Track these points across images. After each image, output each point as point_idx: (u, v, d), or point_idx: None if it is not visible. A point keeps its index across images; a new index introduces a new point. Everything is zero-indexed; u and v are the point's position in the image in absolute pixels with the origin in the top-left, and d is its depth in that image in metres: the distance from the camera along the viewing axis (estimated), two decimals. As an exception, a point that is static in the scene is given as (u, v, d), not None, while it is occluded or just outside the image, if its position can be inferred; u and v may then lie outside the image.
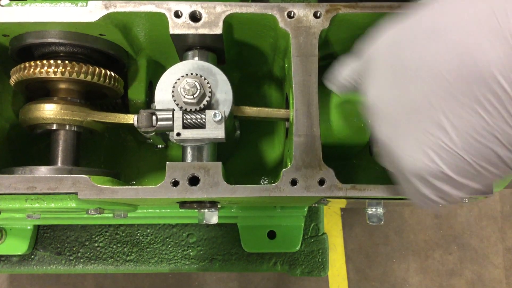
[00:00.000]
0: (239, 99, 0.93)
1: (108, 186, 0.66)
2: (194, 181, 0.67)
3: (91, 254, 1.08)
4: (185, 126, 0.66)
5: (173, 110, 0.66)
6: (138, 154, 0.94)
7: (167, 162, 0.67)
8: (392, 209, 2.33)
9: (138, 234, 1.09)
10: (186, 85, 0.66)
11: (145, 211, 1.05)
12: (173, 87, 0.67)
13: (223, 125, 0.66)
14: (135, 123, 0.67)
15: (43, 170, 0.70)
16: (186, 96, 0.65)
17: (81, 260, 1.08)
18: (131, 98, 0.83)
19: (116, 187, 0.66)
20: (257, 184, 0.94)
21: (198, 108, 0.67)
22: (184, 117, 0.66)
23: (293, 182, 0.67)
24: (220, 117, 0.65)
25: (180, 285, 2.15)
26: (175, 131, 0.66)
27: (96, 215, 0.90)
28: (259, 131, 0.95)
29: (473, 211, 2.34)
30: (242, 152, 0.95)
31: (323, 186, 0.67)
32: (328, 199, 0.75)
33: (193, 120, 0.66)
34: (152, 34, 0.77)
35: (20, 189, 0.65)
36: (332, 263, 2.23)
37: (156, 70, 0.87)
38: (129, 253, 1.08)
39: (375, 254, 2.27)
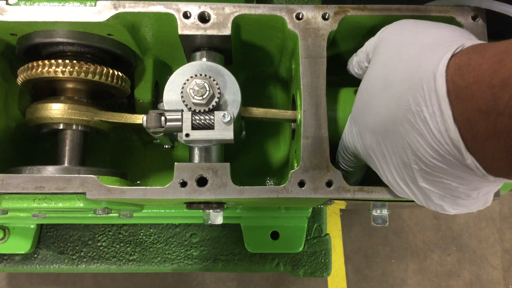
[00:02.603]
0: (244, 99, 0.93)
1: (117, 186, 0.66)
2: (202, 182, 0.67)
3: (94, 253, 1.08)
4: (194, 127, 0.66)
5: (182, 110, 0.66)
6: (144, 154, 0.94)
7: (175, 163, 0.67)
8: (391, 210, 2.33)
9: (141, 234, 1.09)
10: (195, 86, 0.66)
11: (149, 211, 1.04)
12: (182, 87, 0.67)
13: (231, 126, 0.66)
14: (144, 124, 0.67)
15: (50, 170, 0.70)
16: (195, 97, 0.66)
17: (84, 260, 1.08)
18: (138, 98, 0.83)
19: (125, 187, 0.66)
20: (262, 184, 0.95)
21: (207, 109, 0.67)
22: (193, 118, 0.66)
23: (301, 184, 0.67)
24: (229, 118, 0.66)
25: (179, 284, 2.15)
26: (184, 132, 0.66)
27: (104, 214, 0.90)
28: (264, 131, 0.95)
29: (471, 212, 2.34)
30: (248, 152, 0.95)
31: (331, 188, 0.67)
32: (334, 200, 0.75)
33: (202, 121, 0.66)
34: (160, 35, 0.77)
35: (28, 189, 0.65)
36: (331, 263, 2.24)
37: (163, 70, 0.87)
38: (132, 253, 1.08)
39: (374, 254, 2.28)
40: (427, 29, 0.60)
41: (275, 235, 1.08)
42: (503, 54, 0.45)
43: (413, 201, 0.69)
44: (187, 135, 0.65)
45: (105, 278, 2.13)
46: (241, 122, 0.84)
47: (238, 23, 0.72)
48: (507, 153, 0.46)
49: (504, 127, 0.44)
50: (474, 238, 2.33)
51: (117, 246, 1.09)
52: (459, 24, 0.71)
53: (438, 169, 0.53)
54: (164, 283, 2.16)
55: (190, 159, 0.74)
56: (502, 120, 0.44)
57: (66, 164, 0.76)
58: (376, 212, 0.85)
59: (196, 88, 0.66)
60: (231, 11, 0.71)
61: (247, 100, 0.92)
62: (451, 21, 0.72)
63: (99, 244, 1.08)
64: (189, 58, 0.78)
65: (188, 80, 0.67)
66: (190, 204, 0.72)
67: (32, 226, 1.05)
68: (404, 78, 0.54)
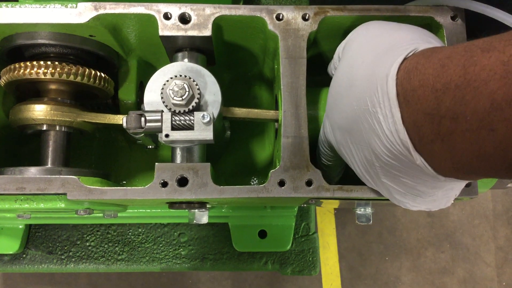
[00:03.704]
0: (230, 99, 0.93)
1: (97, 187, 0.66)
2: (183, 182, 0.67)
3: (83, 253, 1.09)
4: (174, 128, 0.67)
5: (162, 111, 0.67)
6: (129, 155, 0.94)
7: (156, 163, 0.67)
8: (385, 208, 2.34)
9: (130, 234, 1.09)
10: (175, 86, 0.66)
11: (137, 210, 1.05)
12: (162, 88, 0.67)
13: (211, 126, 0.66)
14: (124, 124, 0.67)
15: (32, 171, 0.71)
16: (175, 97, 0.66)
17: (73, 259, 1.08)
18: (122, 99, 0.83)
19: (105, 187, 0.66)
20: (247, 184, 0.95)
21: (186, 110, 0.67)
22: (173, 118, 0.67)
23: (281, 183, 0.68)
24: (208, 119, 0.66)
25: (174, 283, 2.16)
26: (164, 133, 0.66)
27: (87, 215, 0.90)
28: (249, 131, 0.96)
29: (465, 209, 2.35)
30: (233, 152, 0.95)
31: (311, 187, 0.68)
32: (321, 200, 0.75)
33: (182, 122, 0.67)
34: (142, 36, 0.77)
35: (9, 190, 0.66)
36: (325, 261, 2.25)
37: (147, 71, 0.88)
38: (121, 252, 1.09)
39: (368, 252, 2.29)
40: (390, 31, 0.62)
41: (263, 234, 1.09)
42: (447, 59, 0.47)
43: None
44: (166, 135, 0.66)
45: (99, 277, 2.14)
46: (224, 122, 0.84)
47: (219, 24, 0.73)
48: (451, 154, 0.47)
49: (446, 129, 0.46)
50: (468, 235, 2.34)
51: (106, 245, 1.09)
52: (438, 24, 0.72)
53: (395, 168, 0.55)
54: (158, 282, 2.16)
55: (172, 159, 0.75)
56: (444, 123, 0.46)
57: (49, 165, 0.76)
58: (360, 211, 0.86)
59: (176, 89, 0.66)
60: (212, 12, 0.71)
61: (232, 100, 0.93)
62: (430, 21, 0.72)
63: (87, 244, 1.09)
64: (172, 59, 0.78)
65: (168, 81, 0.67)
66: (172, 204, 0.73)
67: (20, 227, 1.05)
68: (364, 79, 0.56)
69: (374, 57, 0.56)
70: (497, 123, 0.41)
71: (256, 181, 0.95)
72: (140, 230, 1.10)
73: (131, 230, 1.10)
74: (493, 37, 0.45)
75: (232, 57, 0.86)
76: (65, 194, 0.66)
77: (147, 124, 0.66)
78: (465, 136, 0.44)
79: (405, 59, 0.52)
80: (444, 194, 0.59)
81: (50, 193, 0.66)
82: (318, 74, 0.85)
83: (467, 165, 0.47)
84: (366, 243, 2.30)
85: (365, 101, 0.54)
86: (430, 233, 2.34)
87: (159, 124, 0.66)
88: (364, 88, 0.55)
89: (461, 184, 0.60)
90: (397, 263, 2.29)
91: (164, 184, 0.67)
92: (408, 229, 2.33)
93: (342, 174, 0.82)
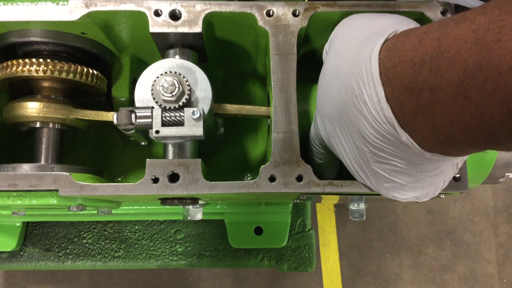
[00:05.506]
0: (224, 96, 0.94)
1: (89, 183, 0.67)
2: (174, 178, 0.68)
3: (80, 250, 1.09)
4: (164, 124, 0.67)
5: (152, 107, 0.67)
6: (124, 152, 0.95)
7: (147, 159, 0.67)
8: (385, 206, 2.34)
9: (126, 231, 1.10)
10: (165, 83, 0.67)
11: (133, 207, 1.05)
12: (152, 85, 0.68)
13: (201, 122, 0.67)
14: (115, 121, 0.67)
15: (25, 168, 0.71)
16: (164, 94, 0.66)
17: (70, 257, 1.09)
18: (115, 96, 0.84)
19: (97, 184, 0.67)
20: (241, 180, 0.95)
21: (177, 106, 0.67)
22: (163, 114, 0.67)
23: (272, 179, 0.68)
24: (198, 115, 0.66)
25: (174, 281, 2.17)
26: (154, 129, 0.66)
27: (84, 212, 0.91)
28: (243, 128, 0.96)
29: (466, 206, 2.35)
30: (227, 149, 0.96)
31: (301, 182, 0.68)
32: (315, 195, 0.76)
33: (172, 118, 0.67)
34: (134, 33, 0.77)
35: (1, 186, 0.66)
36: (326, 259, 2.25)
37: (141, 68, 0.87)
38: (117, 250, 1.09)
39: (369, 250, 2.29)
40: (373, 20, 0.64)
41: (258, 231, 1.09)
42: (423, 34, 0.48)
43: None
44: (157, 131, 0.66)
45: (100, 275, 2.15)
46: (215, 119, 0.84)
47: (209, 20, 0.73)
48: (432, 126, 0.48)
49: (425, 101, 0.47)
50: (469, 232, 2.33)
51: (102, 243, 1.10)
52: (428, 20, 0.72)
53: (383, 150, 0.56)
54: (159, 280, 2.17)
55: (164, 155, 0.75)
56: (423, 95, 0.47)
57: (42, 162, 0.77)
58: (353, 206, 0.86)
59: (166, 85, 0.66)
60: (202, 8, 0.71)
61: (226, 97, 0.93)
62: (420, 16, 0.72)
63: (84, 241, 1.10)
64: (163, 56, 0.79)
65: (158, 77, 0.68)
66: (164, 200, 0.73)
67: (17, 224, 1.06)
68: (350, 64, 0.57)
69: (359, 44, 0.58)
70: (470, 90, 0.42)
71: (250, 177, 0.95)
72: (136, 227, 1.10)
73: (127, 228, 1.10)
74: (467, 10, 0.46)
75: (225, 54, 0.87)
76: (57, 190, 0.66)
77: (138, 120, 0.67)
78: (443, 106, 0.45)
79: (386, 40, 0.54)
80: (432, 179, 0.59)
81: (42, 189, 0.67)
82: (311, 71, 0.85)
83: (448, 137, 0.48)
84: (366, 241, 2.30)
85: (351, 85, 0.55)
86: (430, 230, 2.33)
87: (149, 120, 0.67)
88: (350, 73, 0.56)
89: (449, 168, 0.60)
90: (398, 261, 2.29)
91: (155, 180, 0.67)
92: (409, 226, 2.33)
93: (336, 175, 0.83)
